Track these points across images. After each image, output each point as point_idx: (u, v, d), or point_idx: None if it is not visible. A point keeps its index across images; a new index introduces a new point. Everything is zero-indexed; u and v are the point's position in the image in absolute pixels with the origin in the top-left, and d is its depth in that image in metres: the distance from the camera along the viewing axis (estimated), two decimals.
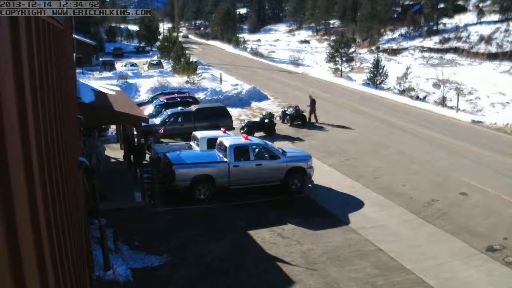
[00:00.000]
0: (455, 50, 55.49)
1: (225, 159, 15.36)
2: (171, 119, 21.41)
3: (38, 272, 2.91)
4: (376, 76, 38.57)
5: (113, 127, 23.64)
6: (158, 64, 49.15)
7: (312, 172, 16.40)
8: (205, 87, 34.33)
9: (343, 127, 24.89)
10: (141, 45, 77.71)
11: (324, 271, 11.07)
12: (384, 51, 63.25)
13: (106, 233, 11.04)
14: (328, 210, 14.61)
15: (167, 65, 48.25)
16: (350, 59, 46.87)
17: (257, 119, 24.16)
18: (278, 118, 25.44)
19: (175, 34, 65.84)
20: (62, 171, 5.18)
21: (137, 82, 35.67)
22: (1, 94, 2.33)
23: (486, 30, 55.51)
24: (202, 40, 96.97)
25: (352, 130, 24.30)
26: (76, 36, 24.62)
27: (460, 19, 64.19)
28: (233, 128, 21.88)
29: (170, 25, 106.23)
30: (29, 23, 3.40)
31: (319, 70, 48.94)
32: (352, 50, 49.42)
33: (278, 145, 18.01)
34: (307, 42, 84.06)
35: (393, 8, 78.00)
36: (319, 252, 11.94)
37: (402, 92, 35.50)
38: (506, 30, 52.90)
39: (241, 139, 16.18)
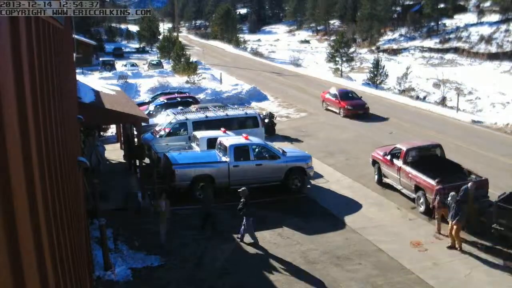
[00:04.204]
0: (455, 50, 55.38)
1: (225, 159, 15.36)
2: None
3: (38, 272, 2.91)
4: (376, 76, 38.49)
5: (113, 127, 23.63)
6: (158, 64, 49.09)
7: (312, 172, 16.40)
8: (205, 87, 34.31)
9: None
10: (141, 45, 77.64)
11: (324, 271, 11.08)
12: (384, 51, 63.17)
13: (106, 233, 11.05)
14: (328, 210, 14.62)
15: (167, 65, 48.20)
16: (350, 59, 46.79)
17: None
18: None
19: (175, 34, 65.82)
20: (62, 171, 5.18)
21: (137, 82, 35.65)
22: (1, 94, 2.33)
23: (486, 30, 55.45)
24: (202, 40, 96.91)
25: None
26: (76, 36, 24.61)
27: (460, 19, 64.10)
28: None
29: (170, 25, 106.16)
30: (29, 23, 3.40)
31: (319, 70, 48.89)
32: (352, 50, 49.30)
33: (278, 145, 18.01)
34: (307, 42, 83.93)
35: (393, 8, 77.88)
36: (319, 252, 11.95)
37: (402, 92, 35.45)
38: (506, 30, 52.82)
39: (241, 139, 16.18)
